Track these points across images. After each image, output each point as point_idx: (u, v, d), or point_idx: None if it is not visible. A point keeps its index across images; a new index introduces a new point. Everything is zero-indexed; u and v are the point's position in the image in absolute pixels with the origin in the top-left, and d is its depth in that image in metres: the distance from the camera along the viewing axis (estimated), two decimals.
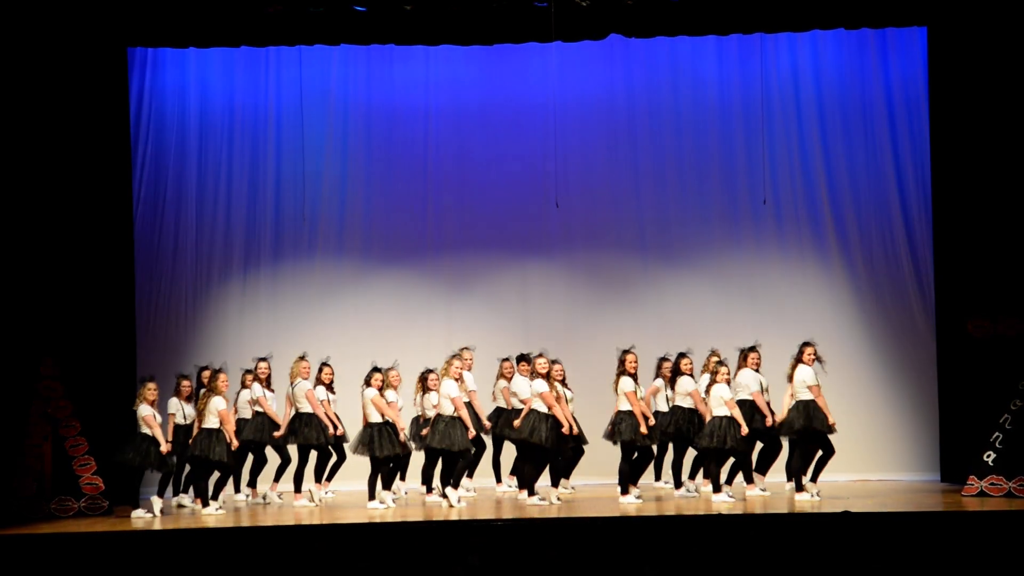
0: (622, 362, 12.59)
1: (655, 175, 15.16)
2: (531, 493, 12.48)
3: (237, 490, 13.65)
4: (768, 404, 12.69)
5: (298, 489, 13.13)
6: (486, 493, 13.53)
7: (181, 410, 13.20)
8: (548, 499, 12.43)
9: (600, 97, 15.21)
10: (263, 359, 13.51)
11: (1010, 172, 13.46)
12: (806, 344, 12.66)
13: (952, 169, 13.90)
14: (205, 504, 12.59)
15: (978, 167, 13.64)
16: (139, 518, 12.40)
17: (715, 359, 12.84)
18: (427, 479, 13.06)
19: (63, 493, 12.91)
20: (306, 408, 13.12)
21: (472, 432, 12.74)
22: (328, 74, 15.24)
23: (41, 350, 13.08)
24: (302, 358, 13.31)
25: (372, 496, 12.55)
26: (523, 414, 12.49)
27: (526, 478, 12.63)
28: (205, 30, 13.83)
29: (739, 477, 12.93)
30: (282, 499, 13.41)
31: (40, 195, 13.42)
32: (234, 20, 13.73)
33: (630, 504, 12.28)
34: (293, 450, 13.33)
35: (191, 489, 13.23)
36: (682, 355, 13.13)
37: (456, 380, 12.65)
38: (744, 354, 12.93)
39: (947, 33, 13.90)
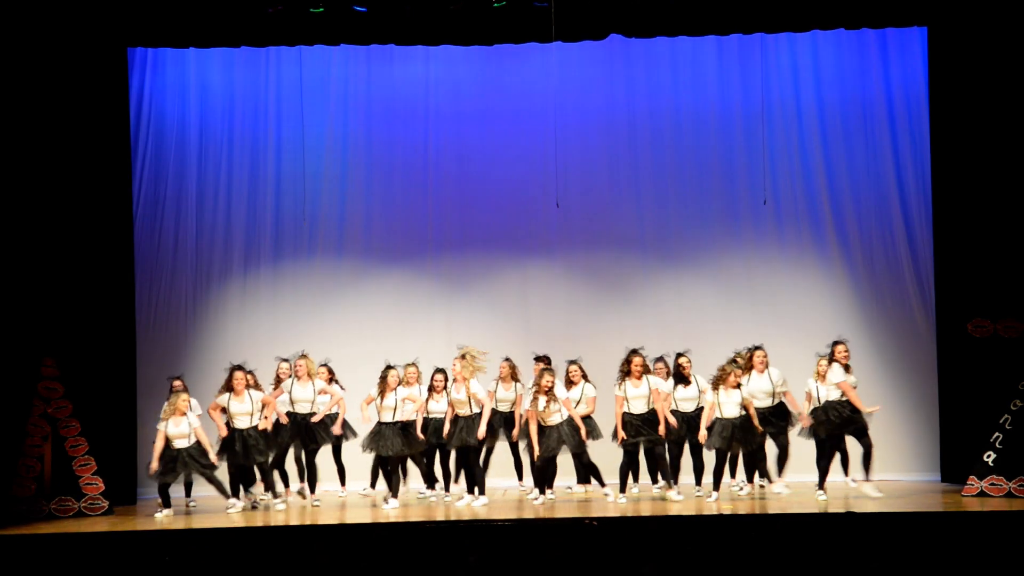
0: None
1: (655, 175, 15.16)
2: (602, 483, 12.72)
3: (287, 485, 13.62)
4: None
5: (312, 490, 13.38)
6: (491, 494, 13.54)
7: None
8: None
9: (600, 97, 15.22)
10: (286, 359, 13.48)
11: (1010, 172, 13.46)
12: (837, 343, 12.59)
13: (952, 169, 13.91)
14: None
15: (978, 167, 13.64)
16: (167, 516, 12.44)
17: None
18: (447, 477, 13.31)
19: (63, 493, 12.91)
20: (303, 409, 13.23)
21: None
22: (328, 74, 15.25)
23: (41, 350, 13.08)
24: (304, 356, 13.34)
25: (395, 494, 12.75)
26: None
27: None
28: (205, 30, 13.83)
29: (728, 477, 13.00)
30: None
31: (40, 195, 13.41)
32: (234, 20, 13.73)
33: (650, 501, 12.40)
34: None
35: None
36: (680, 355, 13.16)
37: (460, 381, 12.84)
38: (749, 354, 12.91)
39: (947, 33, 13.90)
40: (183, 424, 12.54)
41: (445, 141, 15.28)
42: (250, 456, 12.76)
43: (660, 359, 13.24)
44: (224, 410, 12.77)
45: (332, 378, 13.54)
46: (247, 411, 12.73)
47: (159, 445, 12.52)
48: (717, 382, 12.44)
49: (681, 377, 13.04)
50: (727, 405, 12.34)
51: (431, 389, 13.01)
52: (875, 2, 13.69)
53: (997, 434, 12.64)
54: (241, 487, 12.97)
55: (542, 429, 12.49)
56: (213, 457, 12.59)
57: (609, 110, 15.22)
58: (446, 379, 13.03)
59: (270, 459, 13.01)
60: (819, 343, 12.93)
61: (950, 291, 13.99)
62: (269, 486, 12.95)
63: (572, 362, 13.00)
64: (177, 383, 13.26)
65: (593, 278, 15.20)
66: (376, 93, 15.33)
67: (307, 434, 13.21)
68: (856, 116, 14.92)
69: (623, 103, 15.22)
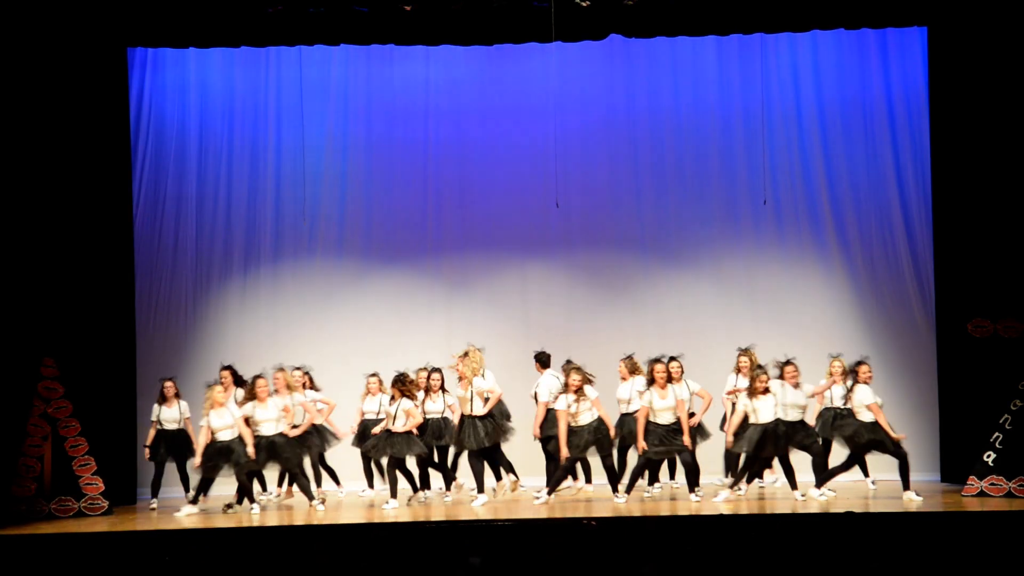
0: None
1: (655, 175, 15.17)
2: (615, 490, 12.64)
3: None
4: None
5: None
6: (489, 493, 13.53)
7: (159, 415, 13.25)
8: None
9: (600, 97, 15.22)
10: (298, 368, 13.42)
11: (1010, 172, 13.47)
12: (860, 363, 12.51)
13: (952, 169, 13.91)
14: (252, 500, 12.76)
15: (978, 167, 13.65)
16: (189, 515, 12.43)
17: (744, 358, 12.82)
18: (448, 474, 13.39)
19: (63, 493, 12.90)
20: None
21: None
22: (328, 74, 15.24)
23: (41, 350, 13.07)
24: (281, 369, 13.22)
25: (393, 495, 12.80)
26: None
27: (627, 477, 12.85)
28: (205, 30, 13.83)
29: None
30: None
31: (40, 195, 13.41)
32: (234, 20, 13.73)
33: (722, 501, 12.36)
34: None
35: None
36: (672, 359, 13.14)
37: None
38: (781, 368, 12.79)
39: (947, 34, 13.91)
40: (226, 415, 12.48)
41: (445, 141, 15.28)
42: (277, 460, 12.71)
43: (657, 360, 13.15)
44: (247, 419, 12.60)
45: (310, 383, 13.44)
46: (272, 417, 12.64)
47: (202, 440, 12.45)
48: (751, 394, 12.38)
49: (670, 380, 12.97)
50: (762, 410, 12.30)
51: (427, 390, 13.00)
52: (875, 2, 13.70)
53: (997, 434, 12.64)
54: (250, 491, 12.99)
55: (572, 429, 12.46)
56: (251, 450, 12.47)
57: (609, 110, 15.22)
58: (443, 379, 13.02)
59: (298, 463, 12.94)
60: (819, 343, 12.98)
61: (950, 291, 13.99)
62: (305, 489, 12.79)
63: (568, 363, 12.95)
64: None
65: (593, 278, 15.20)
66: (376, 93, 15.33)
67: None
68: (856, 116, 14.92)
69: (623, 103, 15.22)
